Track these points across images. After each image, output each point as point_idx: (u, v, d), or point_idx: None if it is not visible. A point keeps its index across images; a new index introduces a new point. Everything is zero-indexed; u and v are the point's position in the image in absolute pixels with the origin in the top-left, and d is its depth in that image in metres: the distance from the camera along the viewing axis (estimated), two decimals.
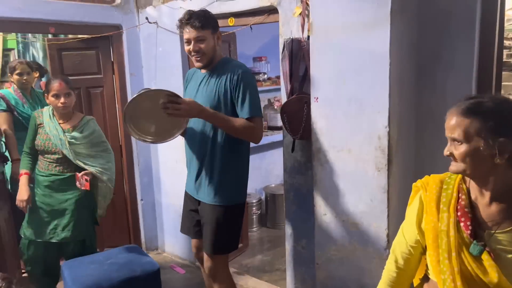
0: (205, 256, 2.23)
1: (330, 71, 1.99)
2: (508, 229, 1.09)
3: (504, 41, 1.99)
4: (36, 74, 3.43)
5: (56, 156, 2.56)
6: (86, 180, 2.50)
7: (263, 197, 4.33)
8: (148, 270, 2.44)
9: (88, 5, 3.12)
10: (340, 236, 2.08)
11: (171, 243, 3.60)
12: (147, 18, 3.23)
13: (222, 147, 2.10)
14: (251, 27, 2.83)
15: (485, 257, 1.09)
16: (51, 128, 2.55)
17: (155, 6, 3.25)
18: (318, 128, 2.07)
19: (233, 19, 2.81)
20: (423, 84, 1.99)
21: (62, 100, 2.48)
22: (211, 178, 2.13)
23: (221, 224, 2.14)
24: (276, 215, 4.18)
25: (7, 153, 2.98)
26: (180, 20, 2.07)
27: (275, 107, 4.45)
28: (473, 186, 1.16)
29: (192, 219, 2.32)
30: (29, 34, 4.69)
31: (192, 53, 2.07)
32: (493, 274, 1.07)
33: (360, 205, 1.99)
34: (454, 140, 1.11)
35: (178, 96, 1.94)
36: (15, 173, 2.87)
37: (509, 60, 4.38)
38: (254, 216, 4.15)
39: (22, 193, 2.52)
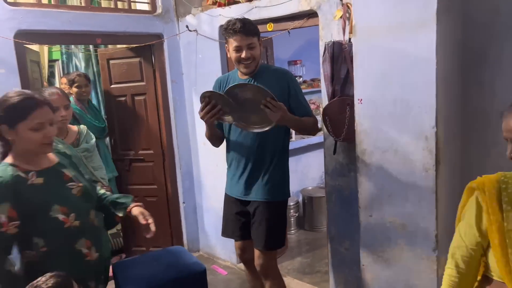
0: (257, 253, 2.30)
1: (374, 72, 2.00)
2: None
3: None
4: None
5: None
6: None
7: (300, 199, 4.35)
8: (195, 271, 2.51)
9: (131, 16, 3.26)
10: (386, 237, 2.08)
11: (212, 245, 3.67)
12: (187, 26, 3.33)
13: (270, 147, 2.22)
14: (289, 32, 2.88)
15: None
16: (58, 142, 2.33)
17: (194, 14, 3.34)
18: (362, 130, 2.08)
19: (272, 24, 2.86)
20: (469, 83, 1.97)
21: (63, 113, 2.33)
22: (263, 177, 2.25)
23: (274, 220, 2.26)
24: (314, 217, 4.19)
25: None
26: (228, 28, 2.12)
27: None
28: None
29: (238, 221, 2.39)
30: (72, 46, 4.91)
31: (243, 60, 2.13)
32: None
33: (407, 206, 1.98)
34: None
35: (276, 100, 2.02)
36: None
37: None
38: (292, 219, 4.17)
39: None
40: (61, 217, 1.60)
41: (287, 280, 3.28)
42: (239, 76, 2.26)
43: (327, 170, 2.65)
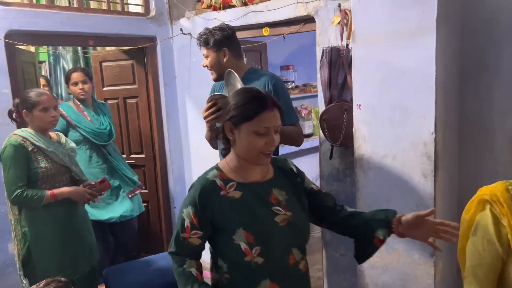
0: None
1: (373, 78, 2.01)
2: None
3: None
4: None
5: (66, 176, 2.35)
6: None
7: None
8: None
9: (124, 18, 3.22)
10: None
11: (204, 251, 3.63)
12: (181, 30, 3.31)
13: None
14: (284, 37, 2.89)
15: None
16: (53, 147, 2.28)
17: (188, 17, 3.32)
18: (360, 135, 2.09)
19: (268, 29, 2.86)
20: (467, 90, 2.00)
21: (53, 113, 2.28)
22: None
23: None
24: None
25: None
26: None
27: (303, 115, 4.48)
28: None
29: None
30: (60, 47, 4.83)
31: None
32: None
33: (405, 212, 1.97)
34: None
35: None
36: None
37: None
38: None
39: (72, 191, 2.30)
40: (243, 246, 1.30)
41: None
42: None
43: (323, 175, 2.65)
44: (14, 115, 2.34)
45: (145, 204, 3.54)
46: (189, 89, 3.40)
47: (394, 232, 1.42)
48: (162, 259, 2.67)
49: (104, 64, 3.46)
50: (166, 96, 3.46)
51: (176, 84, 3.50)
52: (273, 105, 1.33)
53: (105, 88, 3.51)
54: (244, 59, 2.78)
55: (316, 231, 4.11)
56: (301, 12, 2.57)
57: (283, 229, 1.35)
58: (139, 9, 3.41)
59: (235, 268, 1.34)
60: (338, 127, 2.30)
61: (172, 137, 3.53)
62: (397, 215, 1.44)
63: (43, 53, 5.25)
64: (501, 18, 1.85)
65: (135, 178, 3.22)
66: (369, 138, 2.07)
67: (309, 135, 4.47)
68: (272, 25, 2.82)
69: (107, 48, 3.85)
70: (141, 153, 3.55)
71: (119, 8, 3.31)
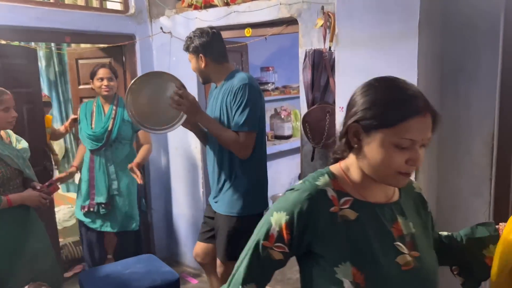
0: (218, 262, 2.33)
1: (356, 81, 2.00)
2: None
3: None
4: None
5: (20, 179, 2.25)
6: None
7: (270, 205, 4.34)
8: (168, 280, 2.43)
9: (103, 15, 3.15)
10: None
11: (182, 253, 3.59)
12: (161, 28, 3.26)
13: (233, 162, 2.21)
14: (265, 38, 2.89)
15: None
16: (8, 151, 2.18)
17: (168, 16, 3.28)
18: None
19: (250, 29, 2.85)
20: (446, 94, 2.04)
21: (14, 114, 2.20)
22: (225, 190, 2.25)
23: (234, 234, 2.22)
24: None
25: None
26: None
27: (282, 116, 4.49)
28: None
29: (206, 224, 2.43)
30: (32, 43, 4.68)
31: None
32: None
33: None
34: None
35: (185, 89, 2.10)
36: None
37: None
38: None
39: (26, 196, 2.22)
40: (347, 285, 0.95)
41: None
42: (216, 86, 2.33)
43: (304, 176, 2.65)
44: None
45: None
46: None
47: None
48: (139, 262, 2.62)
49: (80, 61, 3.37)
50: None
51: None
52: (427, 108, 0.97)
53: (81, 87, 3.42)
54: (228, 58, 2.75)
55: None
56: (284, 13, 2.57)
57: (406, 275, 0.98)
58: (118, 6, 3.34)
59: None
60: (321, 129, 2.32)
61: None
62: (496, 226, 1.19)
63: None
64: (480, 24, 1.90)
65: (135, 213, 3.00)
66: None
67: (288, 137, 4.49)
68: (255, 26, 2.81)
69: (83, 45, 3.75)
70: None
71: (95, 4, 3.24)
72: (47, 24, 2.83)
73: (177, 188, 3.51)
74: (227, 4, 2.88)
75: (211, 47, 2.20)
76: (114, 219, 2.89)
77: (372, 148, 0.98)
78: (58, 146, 4.43)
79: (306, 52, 2.37)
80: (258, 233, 1.04)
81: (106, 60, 3.34)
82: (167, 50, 3.31)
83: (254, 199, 2.28)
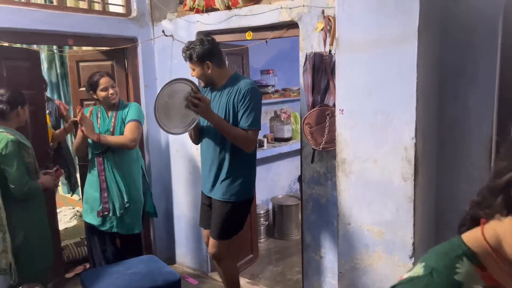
0: (211, 242, 2.53)
1: (356, 84, 2.05)
2: None
3: None
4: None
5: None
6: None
7: (270, 208, 4.37)
8: (169, 280, 2.46)
9: (105, 18, 3.17)
10: (365, 245, 2.13)
11: (183, 254, 3.61)
12: (163, 31, 3.29)
13: (230, 153, 2.41)
14: (266, 42, 2.91)
15: None
16: (28, 143, 2.43)
17: (170, 19, 3.31)
18: (343, 139, 2.13)
19: (251, 33, 2.88)
20: (445, 98, 2.07)
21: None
22: (222, 179, 2.45)
23: (227, 216, 2.46)
24: (284, 225, 4.21)
25: None
26: None
27: (282, 119, 4.52)
28: None
29: (207, 212, 2.62)
30: (34, 45, 4.71)
31: None
32: None
33: (385, 214, 2.04)
34: None
35: (200, 92, 2.32)
36: None
37: None
38: (262, 227, 4.17)
39: (45, 181, 2.48)
40: None
41: None
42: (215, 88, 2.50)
43: (304, 178, 2.68)
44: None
45: None
46: None
47: None
48: (141, 263, 2.64)
49: (81, 64, 3.38)
50: (147, 97, 3.42)
51: (157, 86, 3.46)
52: None
53: (81, 89, 3.44)
54: (226, 62, 2.84)
55: (295, 234, 4.15)
56: (284, 17, 2.60)
57: None
58: (120, 10, 3.37)
59: None
60: (321, 131, 2.35)
61: (151, 139, 3.49)
62: None
63: None
64: (479, 28, 1.93)
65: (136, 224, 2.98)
66: (351, 142, 2.11)
67: (287, 139, 4.51)
68: (256, 29, 2.84)
69: (84, 48, 3.77)
70: None
71: (97, 7, 3.26)
72: (50, 27, 2.85)
73: (178, 189, 3.53)
74: (228, 7, 2.91)
75: (215, 53, 2.39)
76: (122, 221, 2.90)
77: None
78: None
79: (306, 55, 2.39)
80: None
81: (108, 63, 3.36)
82: (168, 53, 3.34)
83: (246, 187, 2.49)
